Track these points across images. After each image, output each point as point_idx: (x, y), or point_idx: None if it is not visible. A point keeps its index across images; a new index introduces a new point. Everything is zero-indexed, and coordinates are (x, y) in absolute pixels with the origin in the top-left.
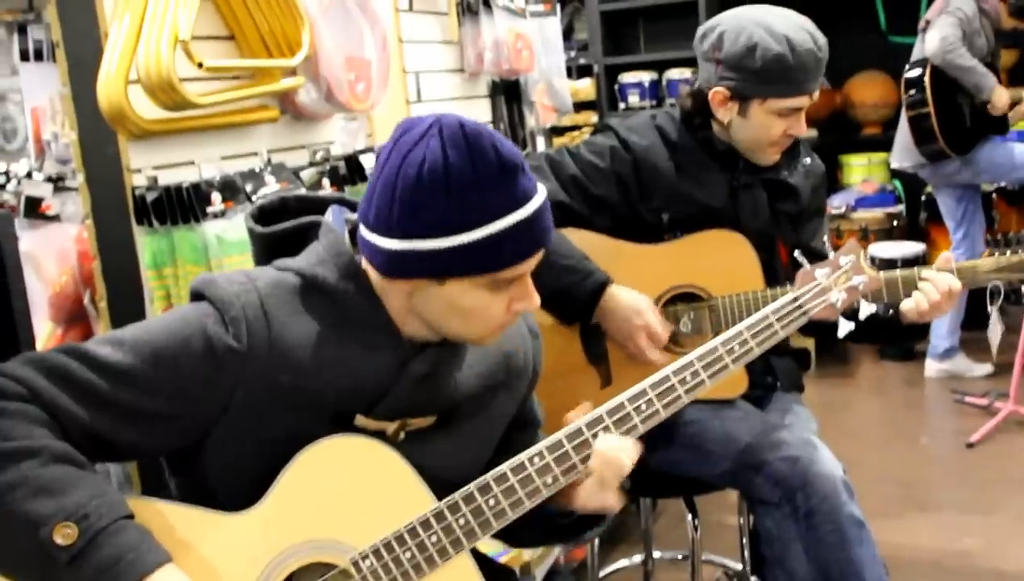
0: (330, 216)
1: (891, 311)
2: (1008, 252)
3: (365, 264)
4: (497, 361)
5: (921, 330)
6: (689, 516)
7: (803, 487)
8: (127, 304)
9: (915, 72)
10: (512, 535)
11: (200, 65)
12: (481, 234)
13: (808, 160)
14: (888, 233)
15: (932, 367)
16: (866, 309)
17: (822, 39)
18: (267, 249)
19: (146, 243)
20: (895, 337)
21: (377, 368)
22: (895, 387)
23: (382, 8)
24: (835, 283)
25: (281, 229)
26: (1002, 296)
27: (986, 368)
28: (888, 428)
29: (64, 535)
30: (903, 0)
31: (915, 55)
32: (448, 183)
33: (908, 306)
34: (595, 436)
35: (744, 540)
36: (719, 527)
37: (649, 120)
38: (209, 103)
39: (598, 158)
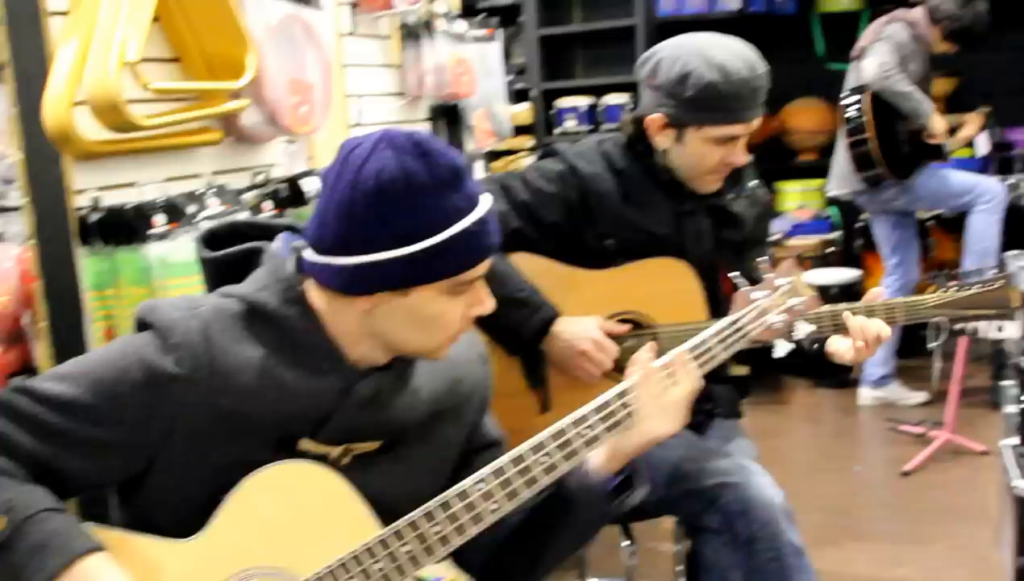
0: (279, 243)
1: (815, 346)
2: (954, 289)
3: (312, 289)
4: (445, 387)
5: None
6: (625, 542)
7: (743, 514)
8: (67, 325)
9: (852, 98)
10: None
11: (146, 87)
12: (445, 236)
13: (753, 184)
14: (823, 260)
15: (866, 395)
16: (803, 329)
17: (761, 68)
18: (214, 274)
19: (89, 264)
20: (823, 373)
21: (321, 392)
22: (829, 414)
23: (325, 32)
24: (773, 304)
25: (225, 254)
26: (948, 333)
27: (921, 396)
28: (822, 456)
29: None
30: (840, 27)
31: (849, 83)
32: (409, 190)
33: (837, 348)
34: (539, 463)
35: (679, 567)
36: (654, 554)
37: (596, 146)
38: (154, 125)
39: (546, 183)
